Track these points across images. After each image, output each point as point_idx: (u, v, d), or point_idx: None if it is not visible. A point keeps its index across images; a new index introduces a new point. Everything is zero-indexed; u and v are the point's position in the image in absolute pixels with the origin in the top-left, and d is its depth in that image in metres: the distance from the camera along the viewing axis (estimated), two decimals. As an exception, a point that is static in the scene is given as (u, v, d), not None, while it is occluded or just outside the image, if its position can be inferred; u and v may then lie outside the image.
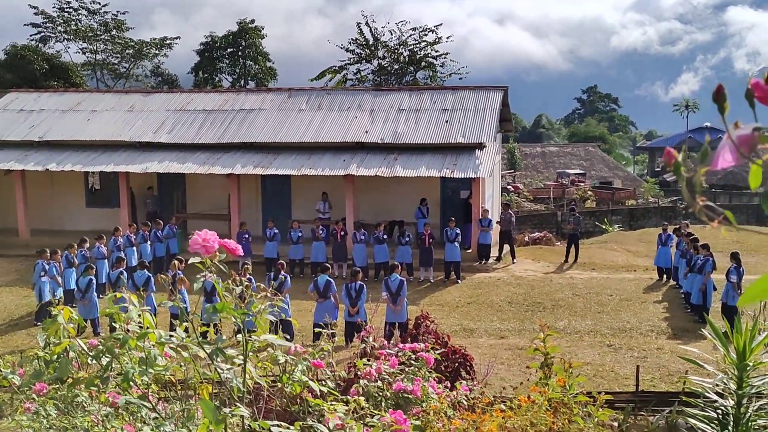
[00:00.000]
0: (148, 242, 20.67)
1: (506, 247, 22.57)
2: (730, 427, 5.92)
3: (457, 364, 9.77)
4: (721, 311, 14.73)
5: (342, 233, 20.81)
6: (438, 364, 7.89)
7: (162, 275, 2.94)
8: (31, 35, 51.38)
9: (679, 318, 16.56)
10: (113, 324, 3.14)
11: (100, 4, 51.91)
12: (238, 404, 2.56)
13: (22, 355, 10.09)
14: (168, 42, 55.08)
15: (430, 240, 20.06)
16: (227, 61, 54.97)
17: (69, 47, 52.71)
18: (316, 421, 3.23)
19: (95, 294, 15.81)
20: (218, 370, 2.59)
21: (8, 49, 45.71)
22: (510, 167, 53.32)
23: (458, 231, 20.20)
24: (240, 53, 54.53)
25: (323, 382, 4.04)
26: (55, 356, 3.32)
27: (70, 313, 3.14)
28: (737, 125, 1.18)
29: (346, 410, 3.38)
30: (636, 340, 15.04)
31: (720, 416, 6.06)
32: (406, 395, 5.12)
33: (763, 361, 6.23)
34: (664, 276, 19.98)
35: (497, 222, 22.75)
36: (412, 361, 5.68)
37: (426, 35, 42.51)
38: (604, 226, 35.53)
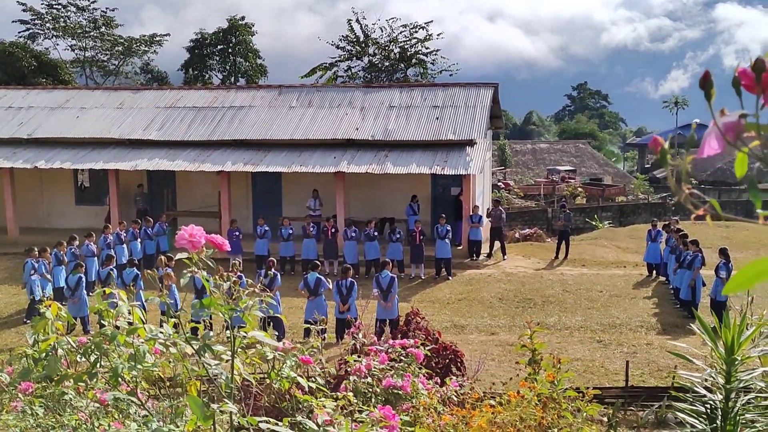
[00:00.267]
0: (139, 240, 20.60)
1: (497, 244, 22.61)
2: (718, 421, 5.96)
3: (447, 361, 9.79)
4: (710, 306, 14.82)
5: (333, 230, 20.80)
6: (429, 361, 7.91)
7: (149, 271, 2.93)
8: (19, 32, 51.16)
9: (668, 313, 16.65)
10: (102, 322, 3.14)
11: (89, 0, 51.67)
12: (226, 400, 2.56)
13: (11, 353, 10.05)
14: (158, 39, 54.90)
15: (421, 237, 20.08)
16: (217, 58, 54.84)
17: (58, 44, 52.48)
18: (305, 417, 3.24)
19: (85, 292, 15.73)
20: (206, 366, 2.59)
21: (-4, 46, 45.45)
22: (501, 164, 53.45)
23: (449, 228, 20.22)
24: (230, 50, 54.40)
25: (313, 379, 4.05)
26: (44, 354, 3.31)
27: (58, 309, 3.13)
28: (723, 112, 1.18)
29: (335, 406, 3.39)
30: (625, 335, 15.11)
31: (708, 410, 6.10)
32: (396, 391, 5.14)
33: (750, 355, 6.27)
34: (654, 272, 20.07)
35: (487, 215, 22.79)
36: (402, 358, 5.69)
37: (417, 32, 42.54)
38: (594, 223, 35.68)
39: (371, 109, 24.34)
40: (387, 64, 43.19)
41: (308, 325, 5.66)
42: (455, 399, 5.62)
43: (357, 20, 42.51)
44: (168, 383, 3.58)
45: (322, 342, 5.32)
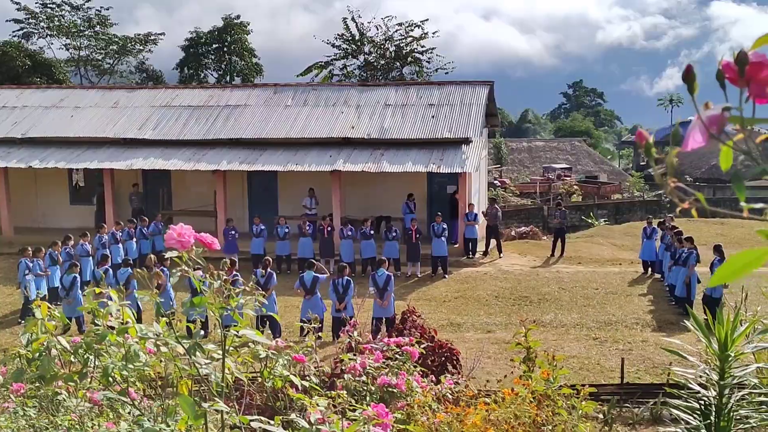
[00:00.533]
0: (134, 239, 20.56)
1: (493, 242, 22.62)
2: (712, 417, 5.97)
3: (443, 359, 9.81)
4: (704, 303, 14.84)
5: (329, 229, 20.78)
6: (425, 359, 7.91)
7: (138, 271, 2.92)
8: (13, 31, 51.00)
9: (663, 310, 16.67)
10: (96, 322, 3.13)
11: (83, -1, 51.55)
12: (217, 399, 2.55)
13: (6, 353, 10.03)
14: (152, 38, 54.80)
15: (417, 235, 20.08)
16: (212, 57, 54.76)
17: (52, 43, 52.36)
18: (298, 416, 3.23)
19: (80, 292, 15.70)
20: (196, 365, 2.58)
21: (-10, 45, 45.31)
22: (496, 162, 53.46)
23: (445, 226, 20.22)
24: (225, 49, 54.31)
25: (308, 378, 4.04)
26: (37, 354, 3.30)
27: (49, 309, 3.12)
28: (708, 106, 1.18)
29: (328, 404, 3.38)
30: (621, 332, 15.13)
31: (703, 407, 6.11)
32: (390, 389, 5.13)
33: (744, 351, 6.29)
34: (649, 269, 20.10)
35: (483, 213, 22.80)
36: (397, 356, 5.68)
37: (412, 30, 42.54)
38: (590, 220, 35.74)
39: (367, 107, 24.32)
40: (382, 62, 43.18)
41: (303, 324, 5.65)
42: (450, 397, 5.62)
43: (352, 18, 42.52)
44: (160, 382, 3.58)
45: (317, 341, 5.31)
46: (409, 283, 19.59)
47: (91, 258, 18.67)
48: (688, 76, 1.19)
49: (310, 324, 5.08)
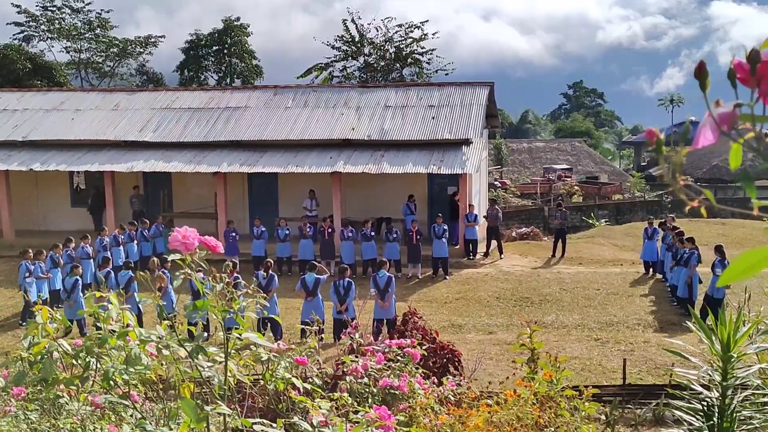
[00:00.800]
0: (135, 242, 20.55)
1: (494, 243, 22.61)
2: (715, 419, 5.95)
3: (445, 360, 9.79)
4: (706, 303, 14.81)
5: (329, 230, 20.76)
6: (426, 360, 7.89)
7: (141, 274, 2.91)
8: (14, 34, 51.04)
9: (665, 311, 16.65)
10: (97, 324, 3.12)
11: (83, 2, 51.62)
12: (219, 402, 2.54)
13: (7, 356, 10.01)
14: (152, 40, 54.83)
15: (418, 236, 20.06)
16: (213, 59, 54.81)
17: (53, 46, 52.43)
18: (301, 419, 3.22)
19: (81, 295, 15.68)
20: (198, 368, 2.57)
21: (-9, 48, 45.35)
22: (497, 163, 53.44)
23: (446, 227, 20.20)
24: (225, 51, 54.36)
25: (310, 380, 4.03)
26: (39, 357, 3.28)
27: (49, 313, 3.10)
28: (719, 103, 1.17)
29: (331, 407, 3.37)
30: (623, 333, 15.11)
31: (705, 408, 6.09)
32: (392, 391, 5.12)
33: (747, 352, 6.27)
34: (651, 270, 20.08)
35: (484, 217, 22.79)
36: (399, 358, 5.67)
37: (412, 32, 42.54)
38: (590, 221, 35.70)
39: (367, 109, 24.32)
40: (382, 63, 43.19)
41: (304, 326, 5.64)
42: (452, 399, 5.60)
43: (352, 20, 42.53)
44: (162, 385, 3.56)
45: (319, 342, 5.30)
46: (410, 285, 19.57)
47: (92, 260, 18.66)
48: (701, 72, 1.18)
49: (312, 326, 5.07)
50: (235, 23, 54.50)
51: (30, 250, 16.77)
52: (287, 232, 20.71)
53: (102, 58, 54.34)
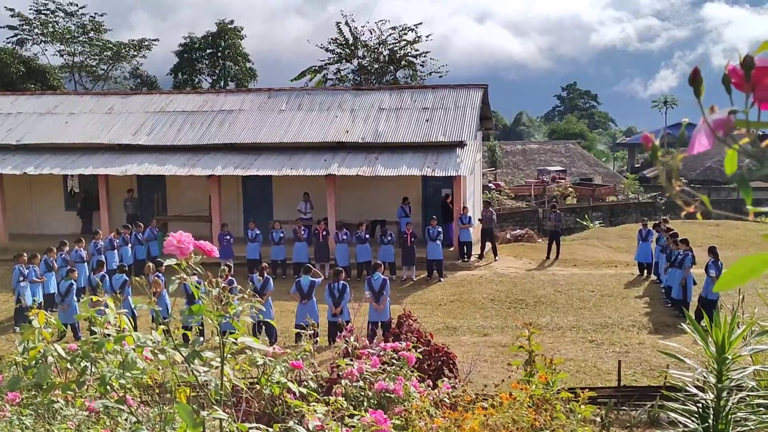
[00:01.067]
0: (129, 245, 20.49)
1: (488, 245, 22.63)
2: (710, 420, 5.96)
3: (440, 363, 9.78)
4: (700, 305, 14.84)
5: (324, 233, 20.75)
6: (421, 363, 7.89)
7: (137, 278, 2.91)
8: (7, 38, 50.93)
9: (659, 313, 16.68)
10: (93, 329, 3.11)
11: (77, 6, 51.48)
12: (215, 407, 2.53)
13: (1, 361, 9.96)
14: (146, 43, 54.75)
15: (412, 239, 20.07)
16: (206, 62, 54.78)
17: (46, 50, 52.30)
18: (297, 423, 3.21)
19: (75, 298, 15.63)
20: (195, 372, 2.56)
21: (-16, 51, 45.19)
22: (491, 165, 53.52)
23: (440, 229, 20.22)
24: (219, 54, 54.34)
25: (305, 383, 4.02)
26: (33, 362, 3.27)
27: (46, 317, 3.10)
28: (713, 109, 1.17)
29: (327, 411, 3.36)
30: (618, 335, 15.13)
31: (700, 409, 6.10)
32: (388, 395, 5.11)
33: (742, 354, 6.28)
34: (645, 271, 20.12)
35: (479, 219, 22.81)
36: (394, 361, 5.67)
37: (406, 34, 42.58)
38: (584, 223, 35.77)
39: (361, 111, 24.32)
40: (376, 66, 43.21)
41: (299, 330, 5.64)
42: (448, 401, 5.60)
43: (346, 23, 42.54)
44: (157, 390, 3.56)
45: (314, 345, 5.29)
46: (405, 287, 19.57)
47: (86, 264, 18.60)
48: (696, 79, 1.19)
49: (307, 329, 5.06)
50: (229, 26, 54.49)
51: (24, 254, 16.71)
52: (282, 235, 20.69)
53: (96, 61, 54.24)
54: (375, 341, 7.70)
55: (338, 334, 9.07)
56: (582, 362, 13.29)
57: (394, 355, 5.76)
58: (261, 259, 20.09)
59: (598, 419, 8.92)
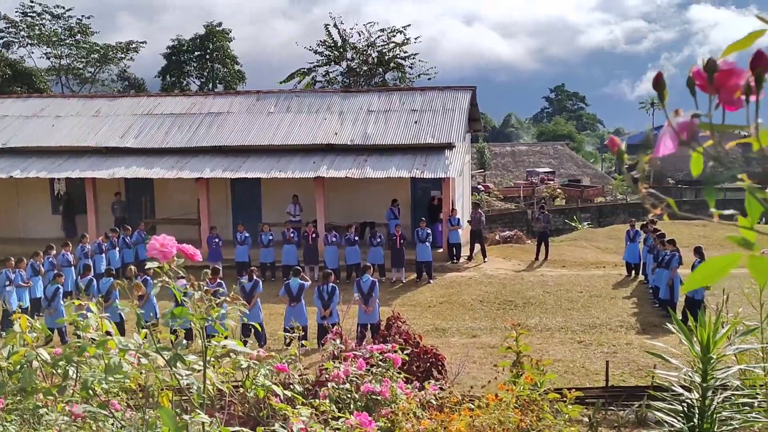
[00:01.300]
0: (117, 249, 20.40)
1: (477, 247, 22.68)
2: (695, 420, 6.00)
3: (428, 364, 9.79)
4: (686, 305, 14.93)
5: (313, 235, 20.73)
6: (410, 365, 7.90)
7: (119, 282, 2.90)
8: (-7, 40, 50.54)
9: (647, 313, 16.76)
10: (78, 333, 3.10)
11: (64, 8, 51.23)
12: (198, 411, 2.53)
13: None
14: (134, 46, 54.57)
15: (402, 241, 20.08)
16: (195, 65, 54.63)
17: (33, 52, 51.99)
18: (281, 426, 3.21)
19: (62, 303, 15.53)
20: (177, 376, 2.56)
21: (-30, 54, 44.90)
22: (480, 167, 53.64)
23: (429, 231, 20.25)
24: (207, 56, 54.21)
25: (291, 387, 4.02)
26: (18, 367, 3.26)
27: (28, 321, 3.09)
28: (678, 113, 1.19)
29: (311, 414, 3.37)
30: (606, 335, 15.19)
31: (686, 409, 6.14)
32: (375, 397, 5.12)
33: (726, 353, 6.33)
34: (633, 272, 20.22)
35: (468, 221, 22.86)
36: (381, 363, 5.67)
37: (394, 36, 42.58)
38: (573, 224, 35.90)
39: (350, 113, 24.33)
40: (365, 68, 43.20)
41: (286, 333, 5.63)
42: (434, 403, 5.61)
43: (334, 25, 42.50)
44: (141, 394, 3.55)
45: (301, 348, 5.29)
46: (394, 289, 19.58)
47: (72, 268, 18.49)
48: (658, 84, 1.20)
49: (293, 333, 5.06)
50: (217, 28, 54.39)
51: (11, 258, 16.58)
52: (271, 237, 20.66)
53: (83, 63, 53.98)
54: (364, 343, 7.71)
55: (325, 336, 9.07)
56: (570, 363, 13.33)
57: (381, 357, 5.77)
58: (250, 261, 20.05)
59: (586, 419, 8.96)
